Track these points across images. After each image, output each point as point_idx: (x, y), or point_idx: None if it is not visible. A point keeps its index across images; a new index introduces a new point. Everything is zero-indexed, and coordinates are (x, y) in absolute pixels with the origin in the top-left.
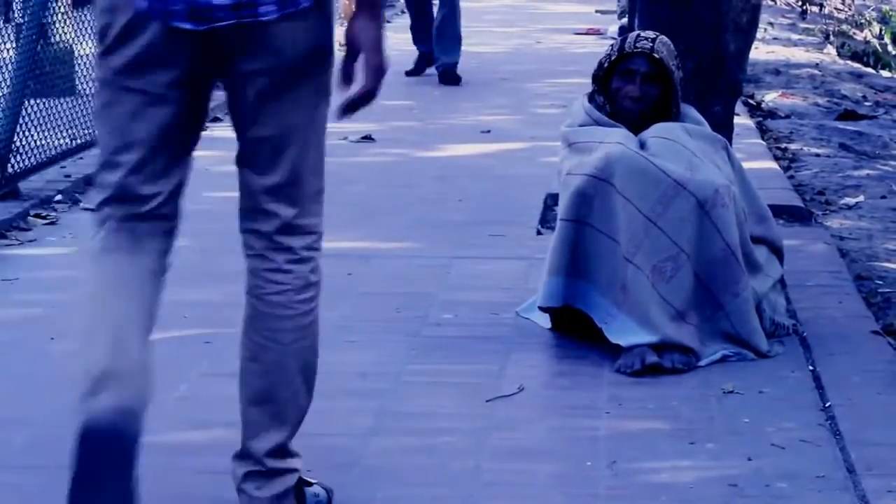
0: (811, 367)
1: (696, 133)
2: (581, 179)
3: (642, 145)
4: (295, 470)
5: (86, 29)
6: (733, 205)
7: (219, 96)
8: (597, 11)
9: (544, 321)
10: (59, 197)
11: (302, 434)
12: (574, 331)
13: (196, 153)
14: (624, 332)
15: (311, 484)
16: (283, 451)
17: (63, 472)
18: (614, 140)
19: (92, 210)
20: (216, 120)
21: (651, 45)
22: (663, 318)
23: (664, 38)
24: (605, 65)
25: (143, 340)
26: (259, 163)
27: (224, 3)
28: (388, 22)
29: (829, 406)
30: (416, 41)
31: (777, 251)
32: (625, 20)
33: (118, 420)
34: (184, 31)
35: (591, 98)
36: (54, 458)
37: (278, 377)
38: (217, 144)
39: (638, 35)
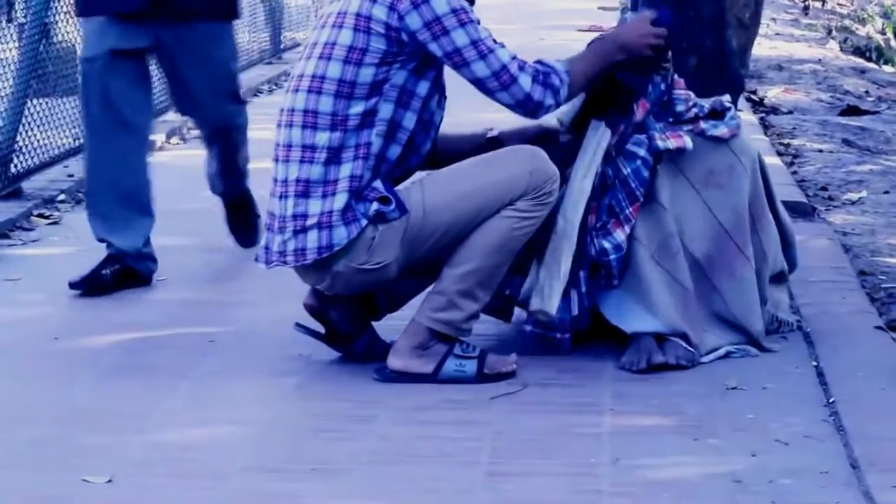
0: (815, 363)
1: None
2: None
3: None
4: (428, 328)
5: None
6: (734, 182)
7: None
8: (599, 8)
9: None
10: (62, 196)
11: (300, 430)
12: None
13: (195, 153)
14: (624, 315)
15: (462, 357)
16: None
17: (64, 472)
18: None
19: None
20: None
21: None
22: (663, 298)
23: None
24: None
25: None
26: None
27: None
28: None
29: (833, 401)
30: None
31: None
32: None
33: None
34: None
35: None
36: (57, 457)
37: None
38: None
39: None
